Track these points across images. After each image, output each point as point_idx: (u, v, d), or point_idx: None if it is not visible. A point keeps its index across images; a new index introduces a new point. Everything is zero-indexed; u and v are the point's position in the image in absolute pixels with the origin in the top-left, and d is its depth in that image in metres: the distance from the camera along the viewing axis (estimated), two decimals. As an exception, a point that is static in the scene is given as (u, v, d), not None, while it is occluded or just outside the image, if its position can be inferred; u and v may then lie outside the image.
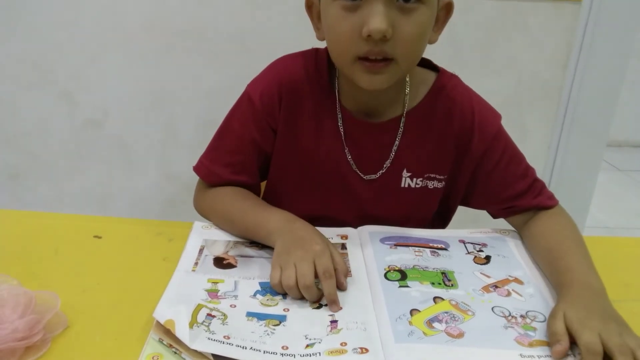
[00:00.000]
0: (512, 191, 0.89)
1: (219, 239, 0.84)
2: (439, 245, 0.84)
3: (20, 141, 1.81)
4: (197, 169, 0.92)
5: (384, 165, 0.89)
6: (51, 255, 0.79)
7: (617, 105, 1.75)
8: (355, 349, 0.62)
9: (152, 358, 0.59)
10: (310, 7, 0.83)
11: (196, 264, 0.77)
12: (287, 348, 0.62)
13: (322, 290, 0.70)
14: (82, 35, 1.67)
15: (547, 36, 1.67)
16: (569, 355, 0.62)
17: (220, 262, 0.79)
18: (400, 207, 0.91)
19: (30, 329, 0.59)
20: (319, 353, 0.61)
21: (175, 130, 1.78)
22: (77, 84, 1.73)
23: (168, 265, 0.77)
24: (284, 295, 0.71)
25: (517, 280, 0.77)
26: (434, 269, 0.78)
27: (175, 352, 0.60)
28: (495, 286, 0.75)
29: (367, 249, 0.82)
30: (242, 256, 0.81)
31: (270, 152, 0.91)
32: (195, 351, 0.60)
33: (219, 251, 0.81)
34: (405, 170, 0.89)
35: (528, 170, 0.91)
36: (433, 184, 0.91)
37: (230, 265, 0.78)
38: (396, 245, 0.83)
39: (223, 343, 0.61)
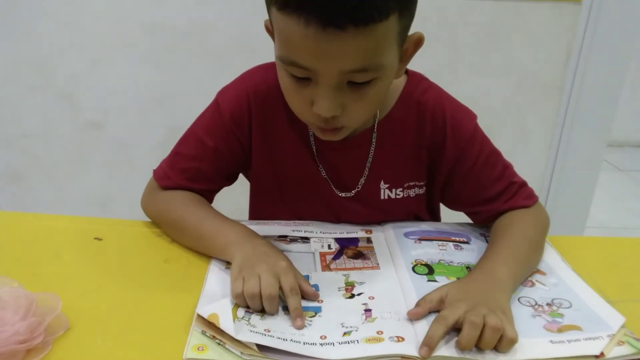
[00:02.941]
0: (484, 195, 0.86)
1: None
2: (461, 239, 0.85)
3: (22, 143, 1.81)
4: (155, 171, 0.90)
5: (359, 183, 0.87)
6: (52, 257, 0.79)
7: (618, 105, 1.75)
8: (391, 337, 0.63)
9: (198, 349, 0.60)
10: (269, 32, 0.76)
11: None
12: (325, 337, 0.63)
13: (288, 305, 0.67)
14: (83, 37, 1.67)
15: (548, 36, 1.66)
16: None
17: None
18: (385, 217, 0.90)
19: (31, 331, 0.59)
20: (357, 340, 0.63)
21: (175, 132, 1.75)
22: (78, 86, 1.74)
23: (169, 267, 0.77)
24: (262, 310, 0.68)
25: (539, 272, 0.78)
26: (458, 263, 0.79)
27: (219, 344, 0.61)
28: None
29: (392, 243, 0.84)
30: None
31: (237, 162, 0.89)
32: (239, 342, 0.60)
33: None
34: (382, 182, 0.87)
35: (504, 172, 0.86)
36: (415, 192, 0.89)
37: None
38: (420, 239, 0.85)
39: (265, 335, 0.62)
